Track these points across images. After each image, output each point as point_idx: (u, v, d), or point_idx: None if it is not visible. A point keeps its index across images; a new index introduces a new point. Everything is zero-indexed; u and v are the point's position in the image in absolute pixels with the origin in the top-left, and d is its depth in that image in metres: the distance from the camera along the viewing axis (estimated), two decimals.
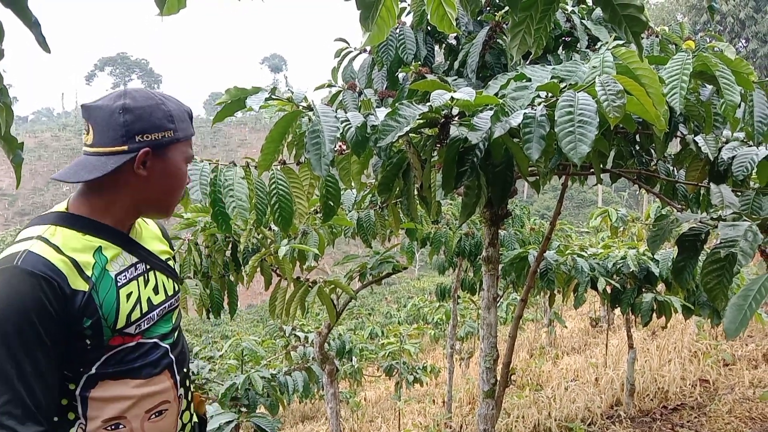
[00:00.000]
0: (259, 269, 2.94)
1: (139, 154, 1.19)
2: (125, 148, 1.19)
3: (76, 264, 1.15)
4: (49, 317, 1.09)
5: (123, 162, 1.19)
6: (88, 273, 1.17)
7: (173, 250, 1.50)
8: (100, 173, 1.17)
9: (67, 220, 1.21)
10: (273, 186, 1.81)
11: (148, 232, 1.40)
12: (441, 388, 8.15)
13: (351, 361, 8.04)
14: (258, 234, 2.98)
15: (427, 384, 8.56)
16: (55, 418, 1.16)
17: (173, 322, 1.37)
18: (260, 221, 1.87)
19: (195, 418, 1.48)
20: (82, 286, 1.15)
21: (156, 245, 1.39)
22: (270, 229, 2.98)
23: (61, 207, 1.26)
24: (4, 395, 1.05)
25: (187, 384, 1.39)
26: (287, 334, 5.36)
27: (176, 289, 1.41)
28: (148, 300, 1.28)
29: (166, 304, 1.34)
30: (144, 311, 1.26)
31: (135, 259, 1.28)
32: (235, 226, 2.76)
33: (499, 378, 2.45)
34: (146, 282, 1.30)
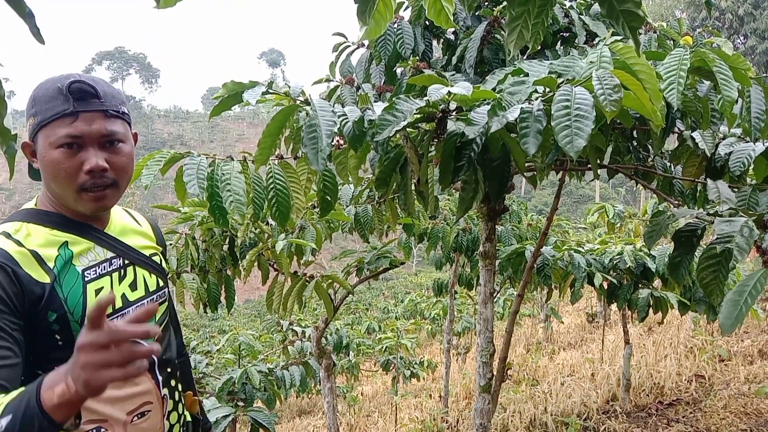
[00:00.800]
0: (256, 264, 2.94)
1: (23, 148, 1.21)
2: None
3: (36, 255, 1.14)
4: (5, 304, 1.07)
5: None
6: (50, 265, 1.15)
7: (162, 246, 1.46)
8: (28, 170, 1.22)
9: (36, 216, 1.21)
10: (270, 180, 1.81)
11: (131, 227, 1.37)
12: (438, 383, 8.17)
13: (348, 355, 8.06)
14: (255, 228, 2.98)
15: (423, 379, 8.57)
16: None
17: (156, 319, 1.33)
18: (257, 216, 1.87)
19: (188, 418, 1.46)
20: (43, 277, 1.13)
21: (137, 240, 1.36)
22: (267, 223, 2.98)
23: (31, 203, 1.26)
24: None
25: (173, 384, 1.35)
26: (284, 329, 5.37)
27: (160, 284, 1.37)
28: (123, 296, 1.26)
29: (145, 301, 1.31)
30: (117, 307, 1.23)
31: (111, 254, 1.26)
32: (233, 221, 2.76)
33: (495, 373, 2.46)
34: (122, 278, 1.27)
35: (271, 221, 2.93)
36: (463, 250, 4.67)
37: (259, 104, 1.62)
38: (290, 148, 1.88)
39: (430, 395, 7.39)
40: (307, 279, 2.90)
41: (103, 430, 1.18)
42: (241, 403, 3.27)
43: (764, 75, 1.73)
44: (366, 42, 2.47)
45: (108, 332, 0.83)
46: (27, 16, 0.82)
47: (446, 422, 5.24)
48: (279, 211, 1.81)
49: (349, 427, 6.39)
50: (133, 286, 1.29)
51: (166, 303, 1.40)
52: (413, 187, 1.81)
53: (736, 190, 1.85)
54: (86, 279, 1.19)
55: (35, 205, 1.25)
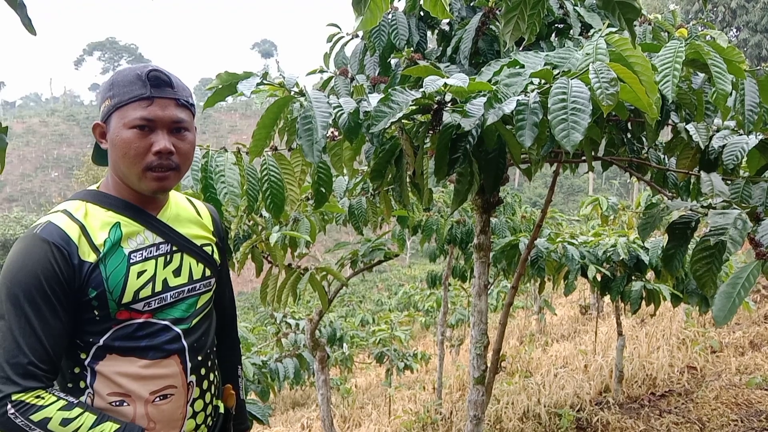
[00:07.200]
0: (250, 256, 2.93)
1: (93, 129, 1.28)
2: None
3: (88, 237, 1.21)
4: (58, 281, 1.16)
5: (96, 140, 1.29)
6: (99, 246, 1.22)
7: (218, 237, 1.47)
8: (92, 153, 1.30)
9: (95, 196, 1.29)
10: (264, 172, 1.80)
11: (187, 214, 1.41)
12: (431, 375, 8.20)
13: (342, 348, 8.06)
14: (249, 220, 2.96)
15: (417, 371, 8.60)
16: (69, 384, 1.24)
17: (196, 307, 1.36)
18: (251, 208, 1.86)
19: (221, 409, 1.48)
20: (90, 257, 1.20)
21: (191, 229, 1.39)
22: (261, 215, 2.97)
23: (94, 186, 1.33)
24: (7, 348, 1.13)
25: (203, 372, 1.37)
26: (278, 321, 5.37)
27: (206, 274, 1.40)
28: (165, 281, 1.29)
29: (186, 288, 1.34)
30: (156, 290, 1.28)
31: (160, 240, 1.31)
32: (226, 213, 2.75)
33: (489, 365, 2.47)
34: (167, 263, 1.31)
35: (265, 213, 2.92)
36: (457, 242, 4.67)
37: (252, 96, 1.61)
38: (285, 140, 1.88)
39: (424, 387, 7.41)
40: (302, 271, 2.90)
41: (125, 404, 1.24)
42: None
43: (758, 68, 1.73)
44: (360, 33, 2.46)
45: None
46: (18, 6, 0.81)
47: (440, 414, 5.25)
48: (273, 203, 1.80)
49: (343, 418, 6.40)
50: (177, 273, 1.33)
51: (211, 293, 1.43)
52: (408, 179, 1.80)
53: (729, 182, 1.86)
54: (131, 261, 1.25)
55: (98, 187, 1.32)
